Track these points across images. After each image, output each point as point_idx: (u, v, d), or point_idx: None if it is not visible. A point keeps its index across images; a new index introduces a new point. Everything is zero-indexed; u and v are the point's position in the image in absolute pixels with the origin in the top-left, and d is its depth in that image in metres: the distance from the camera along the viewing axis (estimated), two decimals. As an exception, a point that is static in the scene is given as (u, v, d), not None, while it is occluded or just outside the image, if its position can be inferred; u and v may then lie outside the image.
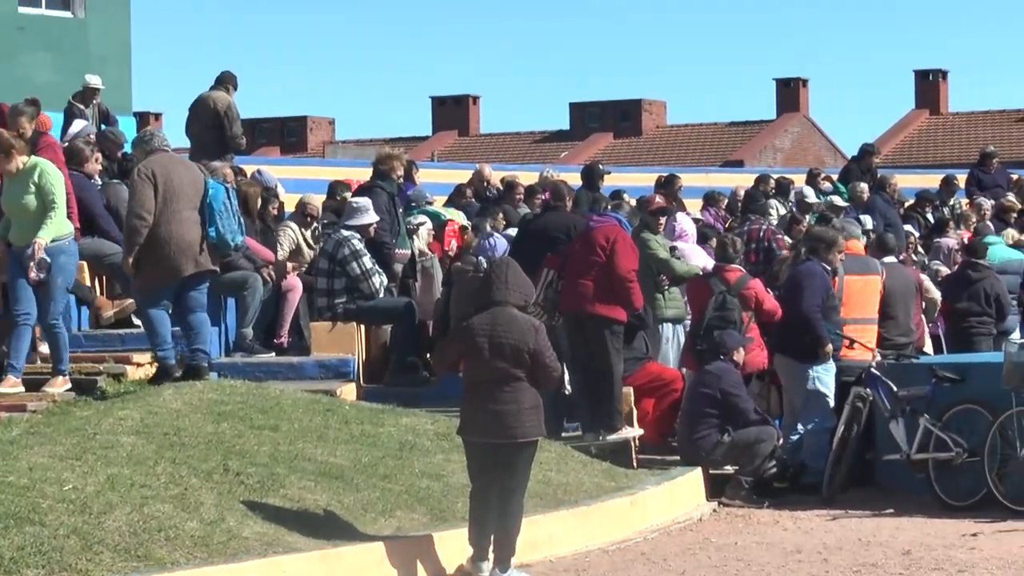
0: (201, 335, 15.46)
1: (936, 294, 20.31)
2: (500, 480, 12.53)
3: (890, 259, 19.00)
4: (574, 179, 24.32)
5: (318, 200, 20.98)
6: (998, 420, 15.71)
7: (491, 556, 12.56)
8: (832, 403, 17.12)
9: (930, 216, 25.96)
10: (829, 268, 17.35)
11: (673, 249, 18.66)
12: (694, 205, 25.17)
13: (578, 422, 17.00)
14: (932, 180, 30.01)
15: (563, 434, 16.86)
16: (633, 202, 20.17)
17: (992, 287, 19.72)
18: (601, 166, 25.52)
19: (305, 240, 19.54)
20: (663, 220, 18.71)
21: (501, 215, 21.33)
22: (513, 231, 19.73)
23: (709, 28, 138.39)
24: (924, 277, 20.52)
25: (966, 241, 22.64)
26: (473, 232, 20.50)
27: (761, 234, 21.38)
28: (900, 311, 18.29)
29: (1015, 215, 25.21)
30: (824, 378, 17.08)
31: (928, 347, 20.05)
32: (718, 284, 17.56)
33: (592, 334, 16.57)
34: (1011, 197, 26.69)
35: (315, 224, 20.05)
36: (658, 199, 19.56)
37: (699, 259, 18.80)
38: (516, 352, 12.44)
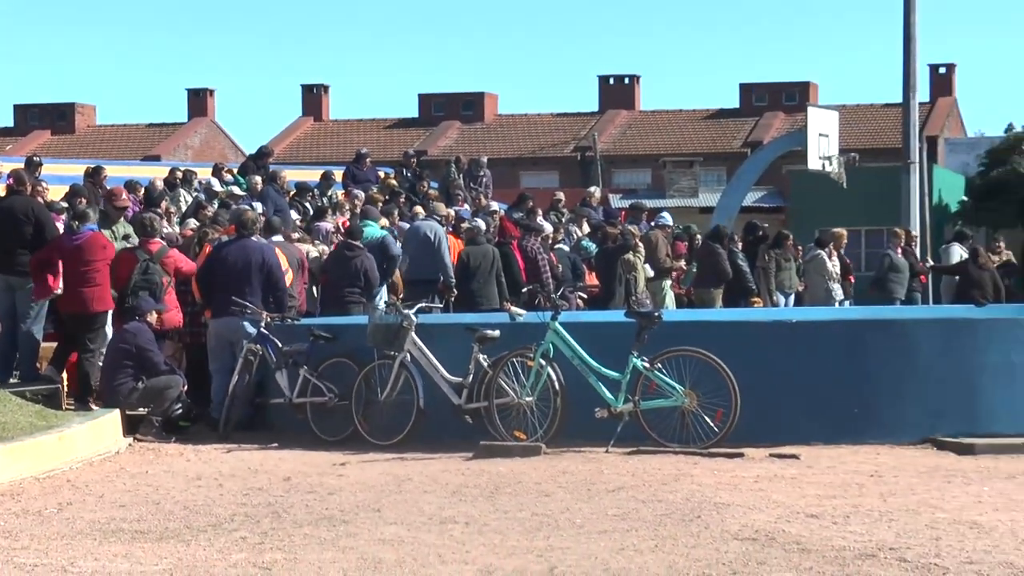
0: None
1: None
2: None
3: (277, 238, 19.22)
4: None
5: None
6: (363, 371, 16.03)
7: (-63, 485, 12.27)
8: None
9: (309, 204, 26.31)
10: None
11: (127, 236, 19.14)
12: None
13: None
14: (314, 175, 30.34)
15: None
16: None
17: (362, 263, 19.97)
18: (36, 157, 25.11)
19: None
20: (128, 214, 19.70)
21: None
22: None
23: (130, 38, 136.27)
24: (311, 250, 20.80)
25: (342, 226, 22.98)
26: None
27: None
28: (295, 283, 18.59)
29: (382, 204, 25.72)
30: None
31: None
32: (142, 254, 17.52)
33: (90, 326, 16.98)
34: (374, 190, 27.28)
35: None
36: (124, 196, 19.99)
37: None
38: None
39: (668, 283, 25.49)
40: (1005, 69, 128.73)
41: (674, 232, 27.82)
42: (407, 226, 23.44)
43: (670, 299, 25.30)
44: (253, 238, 17.57)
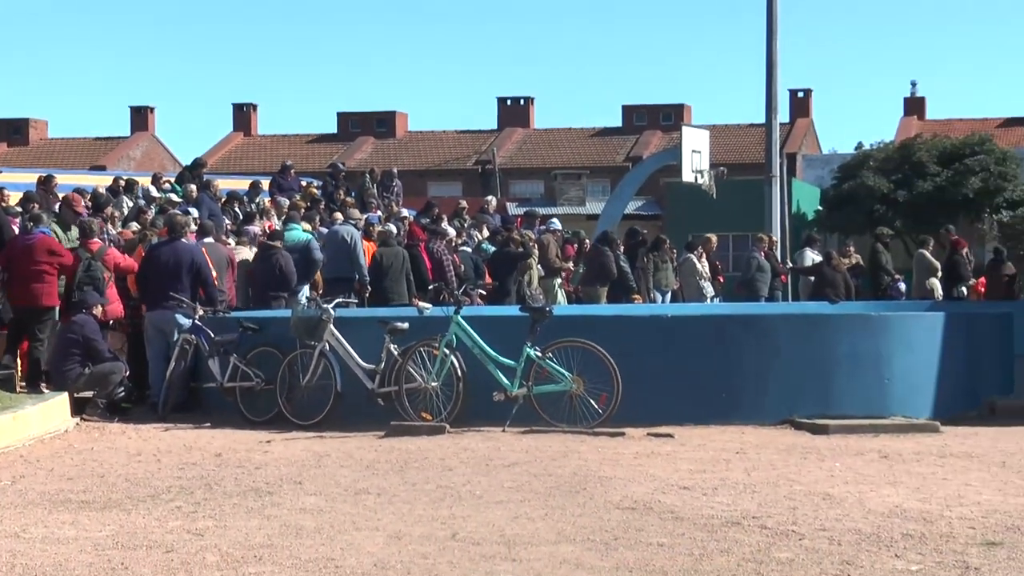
0: None
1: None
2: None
3: (208, 239, 19.18)
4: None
5: None
6: (287, 358, 15.95)
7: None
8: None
9: (238, 209, 26.14)
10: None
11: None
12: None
13: None
14: (244, 184, 30.15)
15: None
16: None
17: (278, 260, 19.87)
18: (-3, 167, 24.92)
19: None
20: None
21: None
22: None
23: (79, 60, 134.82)
24: (239, 250, 20.64)
25: (268, 229, 22.85)
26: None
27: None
28: (222, 280, 18.48)
29: (304, 210, 25.55)
30: None
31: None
32: (84, 253, 17.33)
33: (40, 318, 16.80)
34: (298, 198, 27.14)
35: None
36: (81, 204, 20.05)
37: None
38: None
39: (559, 281, 25.59)
40: (855, 94, 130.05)
41: (564, 236, 27.91)
42: (326, 230, 23.35)
43: (561, 296, 25.39)
44: (183, 240, 17.48)
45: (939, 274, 29.06)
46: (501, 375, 15.09)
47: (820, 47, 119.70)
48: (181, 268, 17.11)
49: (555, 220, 27.89)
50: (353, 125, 75.83)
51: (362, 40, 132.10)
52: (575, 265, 26.84)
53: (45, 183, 24.06)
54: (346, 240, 21.99)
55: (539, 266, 24.73)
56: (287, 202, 26.08)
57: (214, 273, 18.03)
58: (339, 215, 24.85)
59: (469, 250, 25.21)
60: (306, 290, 20.65)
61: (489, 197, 32.69)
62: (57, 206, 20.90)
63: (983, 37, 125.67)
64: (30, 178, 26.45)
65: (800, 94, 72.13)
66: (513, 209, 45.44)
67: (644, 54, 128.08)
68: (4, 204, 20.07)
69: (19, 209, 20.60)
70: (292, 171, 31.03)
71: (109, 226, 20.82)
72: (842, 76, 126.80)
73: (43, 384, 16.50)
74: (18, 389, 16.46)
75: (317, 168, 56.11)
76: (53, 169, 32.05)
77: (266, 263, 19.95)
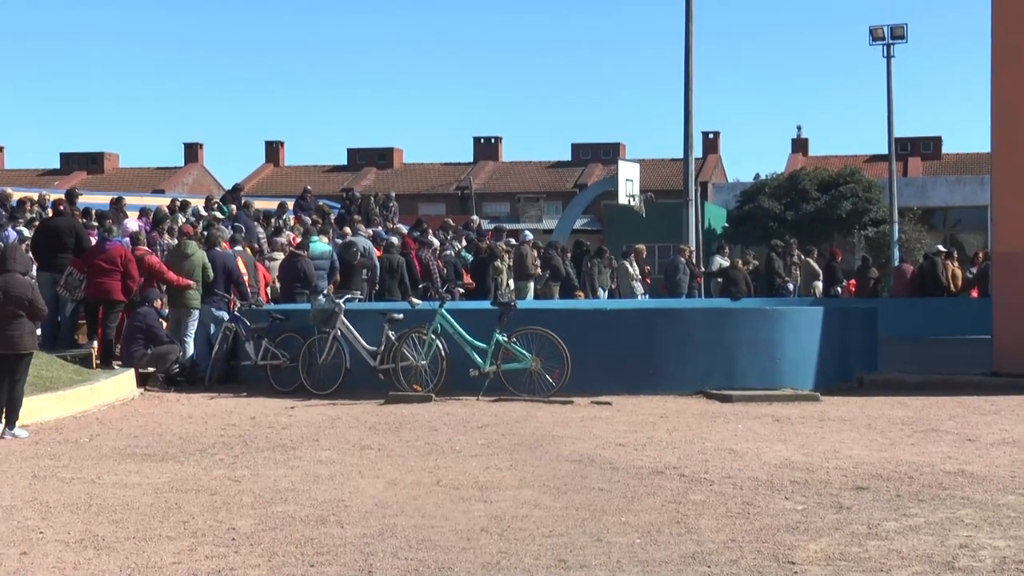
0: None
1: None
2: (10, 375, 11.99)
3: (238, 248, 19.16)
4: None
5: None
6: (307, 342, 15.92)
7: (3, 420, 12.00)
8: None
9: (271, 223, 25.99)
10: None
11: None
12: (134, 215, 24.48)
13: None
14: (273, 204, 29.97)
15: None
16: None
17: (302, 265, 19.73)
18: (77, 190, 24.66)
19: None
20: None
21: (22, 220, 20.59)
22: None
23: (143, 104, 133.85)
24: (274, 256, 20.49)
25: (293, 240, 22.70)
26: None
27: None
28: (252, 279, 18.41)
29: (320, 224, 25.35)
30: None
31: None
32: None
33: (112, 309, 16.49)
34: (316, 216, 27.01)
35: None
36: (193, 231, 19.76)
37: None
38: (20, 299, 11.94)
39: (532, 284, 25.48)
40: (754, 135, 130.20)
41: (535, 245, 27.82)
42: (340, 241, 23.28)
43: (531, 295, 25.33)
44: (217, 248, 17.55)
45: (820, 277, 29.16)
46: (476, 355, 15.07)
47: (726, 98, 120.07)
48: (216, 271, 17.17)
49: (527, 232, 27.77)
50: (360, 158, 75.53)
51: (367, 89, 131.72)
52: (542, 271, 26.78)
53: (116, 203, 24.01)
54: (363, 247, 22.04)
55: (512, 270, 24.70)
56: (308, 219, 25.97)
57: (245, 274, 18.01)
58: (348, 229, 24.80)
59: (451, 254, 25.15)
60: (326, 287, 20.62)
61: (474, 217, 32.68)
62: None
63: (854, 90, 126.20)
64: (105, 199, 26.37)
65: (711, 135, 72.10)
66: (485, 225, 45.39)
67: (589, 102, 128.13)
68: (84, 219, 19.94)
69: (95, 223, 20.49)
70: (310, 194, 30.97)
71: (166, 236, 20.69)
72: (744, 121, 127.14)
73: (114, 362, 16.41)
74: (95, 366, 16.36)
75: (331, 192, 55.92)
76: (123, 192, 31.87)
77: (292, 267, 19.87)
